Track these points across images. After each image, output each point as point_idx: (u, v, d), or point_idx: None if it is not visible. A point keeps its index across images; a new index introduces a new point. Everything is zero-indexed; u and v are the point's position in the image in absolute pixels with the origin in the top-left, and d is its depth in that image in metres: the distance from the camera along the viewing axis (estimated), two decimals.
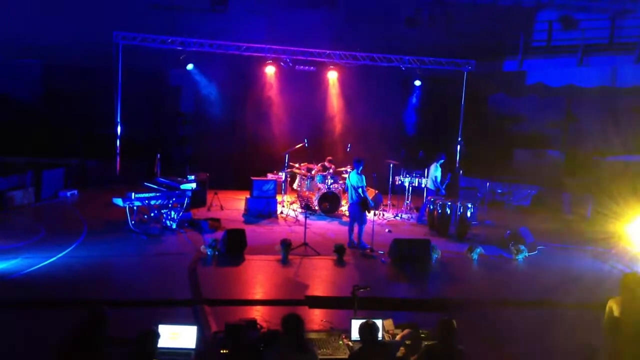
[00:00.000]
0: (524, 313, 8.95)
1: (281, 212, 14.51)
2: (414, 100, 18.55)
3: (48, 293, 8.38)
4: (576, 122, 22.34)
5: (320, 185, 14.77)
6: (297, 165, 15.36)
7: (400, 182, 15.35)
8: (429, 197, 14.18)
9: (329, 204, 14.59)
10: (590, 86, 22.68)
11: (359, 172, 11.74)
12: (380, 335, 5.68)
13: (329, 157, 15.49)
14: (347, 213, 14.78)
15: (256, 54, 16.33)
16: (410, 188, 15.29)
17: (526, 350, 7.53)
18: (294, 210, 14.61)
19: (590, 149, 22.87)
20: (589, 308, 9.07)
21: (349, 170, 15.20)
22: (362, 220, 11.77)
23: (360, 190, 11.66)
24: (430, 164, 14.57)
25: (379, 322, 5.74)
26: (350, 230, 11.93)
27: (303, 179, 15.21)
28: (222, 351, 5.90)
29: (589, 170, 23.03)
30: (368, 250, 11.51)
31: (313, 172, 15.17)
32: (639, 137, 20.69)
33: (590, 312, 8.87)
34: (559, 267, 11.32)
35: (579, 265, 11.64)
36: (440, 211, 13.33)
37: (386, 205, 15.39)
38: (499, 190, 17.75)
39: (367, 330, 5.39)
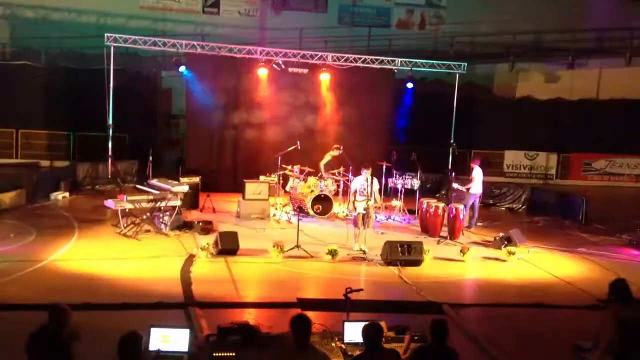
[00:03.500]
0: (516, 315, 8.97)
1: (274, 215, 14.49)
2: (406, 102, 18.55)
3: (38, 296, 8.32)
4: (567, 125, 22.48)
5: (312, 188, 14.76)
6: (289, 167, 15.33)
7: (393, 184, 15.36)
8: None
9: (321, 206, 14.58)
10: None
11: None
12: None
13: (336, 145, 15.28)
14: (340, 215, 14.80)
15: (248, 56, 16.30)
16: (403, 190, 15.29)
17: (518, 352, 7.54)
18: (286, 212, 14.59)
19: (582, 152, 23.06)
20: (580, 309, 9.14)
21: (342, 172, 15.21)
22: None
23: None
24: (473, 167, 14.34)
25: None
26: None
27: (296, 181, 15.19)
28: (215, 354, 5.89)
29: (581, 173, 23.21)
30: (361, 252, 11.50)
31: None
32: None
33: (582, 314, 8.94)
34: (550, 269, 11.35)
35: (570, 267, 11.67)
36: (432, 213, 13.35)
37: (379, 207, 15.40)
38: (491, 192, 17.75)
39: (373, 333, 5.19)
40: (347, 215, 14.27)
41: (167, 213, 12.53)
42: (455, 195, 14.21)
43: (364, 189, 11.64)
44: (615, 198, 20.83)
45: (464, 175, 15.77)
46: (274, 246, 10.95)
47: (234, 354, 5.87)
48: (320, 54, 16.87)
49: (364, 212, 11.58)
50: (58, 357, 5.17)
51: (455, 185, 14.18)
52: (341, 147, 15.25)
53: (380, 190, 13.29)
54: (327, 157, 15.16)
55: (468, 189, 14.19)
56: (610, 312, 6.37)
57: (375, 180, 11.87)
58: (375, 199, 11.95)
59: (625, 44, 22.77)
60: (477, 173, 14.23)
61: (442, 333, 5.29)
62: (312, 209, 14.49)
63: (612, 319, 6.26)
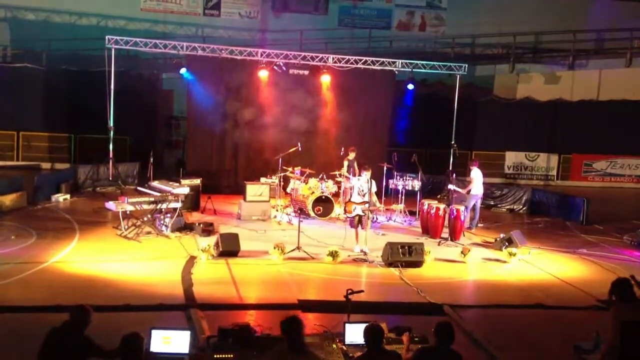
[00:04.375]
0: (517, 316, 8.97)
1: (275, 216, 14.50)
2: (407, 103, 18.57)
3: (40, 299, 8.33)
4: (568, 126, 22.49)
5: (313, 189, 14.77)
6: (290, 169, 15.34)
7: (393, 186, 15.37)
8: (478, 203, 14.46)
9: (322, 207, 14.58)
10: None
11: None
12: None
13: (352, 148, 15.13)
14: (340, 217, 14.79)
15: (249, 58, 16.32)
16: (404, 191, 15.30)
17: (519, 353, 7.54)
18: (287, 214, 14.60)
19: (583, 153, 23.07)
20: (581, 310, 9.14)
21: (343, 173, 15.21)
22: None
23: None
24: (472, 168, 14.34)
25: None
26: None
27: (297, 183, 15.20)
28: (216, 356, 5.89)
29: (582, 174, 23.23)
30: (362, 254, 11.51)
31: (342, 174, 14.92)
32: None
33: (583, 315, 8.94)
34: (551, 270, 11.35)
35: (571, 268, 11.67)
36: (433, 214, 13.35)
37: (379, 210, 15.41)
38: (492, 193, 17.77)
39: (374, 334, 5.18)
40: (344, 216, 14.28)
41: (168, 215, 12.55)
42: (456, 197, 14.22)
43: (363, 191, 11.64)
44: (616, 199, 20.83)
45: (465, 176, 15.77)
46: (275, 248, 10.97)
47: (231, 356, 5.88)
48: (320, 55, 16.87)
49: (362, 214, 11.59)
50: (74, 355, 5.20)
51: (451, 187, 14.19)
52: (342, 149, 15.29)
53: (378, 193, 13.26)
54: (345, 165, 14.99)
55: (468, 191, 14.19)
56: (612, 313, 6.35)
57: (373, 182, 11.88)
58: (372, 202, 11.91)
59: (626, 45, 22.78)
60: (476, 174, 14.24)
61: (448, 336, 5.25)
62: (313, 211, 14.49)
63: (614, 320, 6.24)
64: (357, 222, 11.66)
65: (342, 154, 15.25)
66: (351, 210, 11.68)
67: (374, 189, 11.92)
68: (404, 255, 10.85)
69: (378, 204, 13.19)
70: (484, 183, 14.55)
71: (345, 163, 14.94)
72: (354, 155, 14.97)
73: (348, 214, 11.94)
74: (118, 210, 12.10)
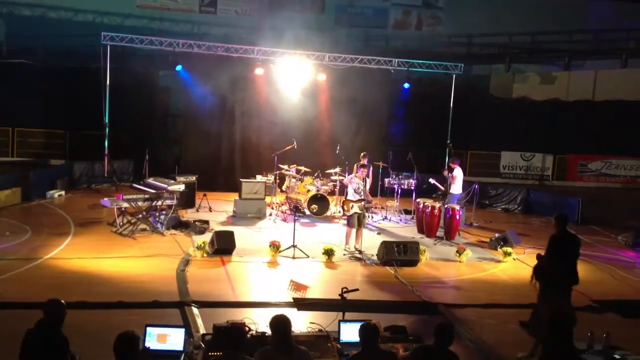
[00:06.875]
0: (511, 315, 8.99)
1: (270, 214, 14.49)
2: (403, 102, 18.57)
3: (34, 295, 8.30)
4: (563, 127, 22.54)
5: (309, 187, 14.77)
6: (286, 167, 15.33)
7: (390, 184, 15.38)
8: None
9: (317, 206, 14.57)
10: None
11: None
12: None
13: (363, 153, 15.00)
14: (335, 215, 14.79)
15: (245, 55, 16.30)
16: (399, 190, 15.31)
17: (513, 352, 7.55)
18: (283, 212, 14.59)
19: (578, 153, 23.14)
20: (576, 310, 9.15)
21: (338, 172, 15.20)
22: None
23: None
24: (454, 167, 14.25)
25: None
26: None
27: (292, 181, 15.19)
28: (210, 353, 5.88)
29: (577, 174, 23.30)
30: (357, 252, 11.52)
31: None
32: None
33: (577, 315, 8.95)
34: None
35: None
36: (429, 214, 13.37)
37: (375, 207, 15.41)
38: (487, 193, 17.80)
39: (369, 333, 5.19)
40: (341, 214, 14.27)
41: (163, 212, 12.53)
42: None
43: (360, 189, 11.66)
44: (611, 199, 20.89)
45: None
46: (270, 245, 10.97)
47: (221, 354, 5.87)
48: (317, 54, 16.86)
49: (360, 212, 11.60)
50: (54, 353, 5.18)
51: (431, 181, 14.19)
52: (338, 147, 15.28)
53: (374, 191, 13.27)
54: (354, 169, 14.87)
55: (448, 186, 14.10)
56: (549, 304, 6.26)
57: (367, 179, 11.93)
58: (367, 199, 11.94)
59: (622, 46, 22.86)
60: (459, 173, 14.21)
61: (448, 338, 5.22)
62: (309, 209, 14.49)
63: (549, 311, 6.15)
64: (355, 221, 11.65)
65: (337, 152, 15.24)
66: (349, 208, 11.68)
67: (368, 185, 12.02)
68: (399, 254, 10.87)
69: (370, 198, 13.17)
70: (464, 182, 14.50)
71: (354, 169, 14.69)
72: (366, 160, 14.83)
73: (347, 212, 11.92)
74: (113, 207, 12.09)
